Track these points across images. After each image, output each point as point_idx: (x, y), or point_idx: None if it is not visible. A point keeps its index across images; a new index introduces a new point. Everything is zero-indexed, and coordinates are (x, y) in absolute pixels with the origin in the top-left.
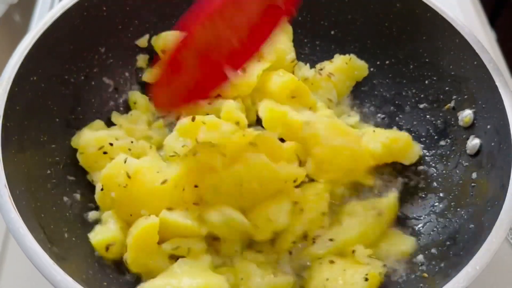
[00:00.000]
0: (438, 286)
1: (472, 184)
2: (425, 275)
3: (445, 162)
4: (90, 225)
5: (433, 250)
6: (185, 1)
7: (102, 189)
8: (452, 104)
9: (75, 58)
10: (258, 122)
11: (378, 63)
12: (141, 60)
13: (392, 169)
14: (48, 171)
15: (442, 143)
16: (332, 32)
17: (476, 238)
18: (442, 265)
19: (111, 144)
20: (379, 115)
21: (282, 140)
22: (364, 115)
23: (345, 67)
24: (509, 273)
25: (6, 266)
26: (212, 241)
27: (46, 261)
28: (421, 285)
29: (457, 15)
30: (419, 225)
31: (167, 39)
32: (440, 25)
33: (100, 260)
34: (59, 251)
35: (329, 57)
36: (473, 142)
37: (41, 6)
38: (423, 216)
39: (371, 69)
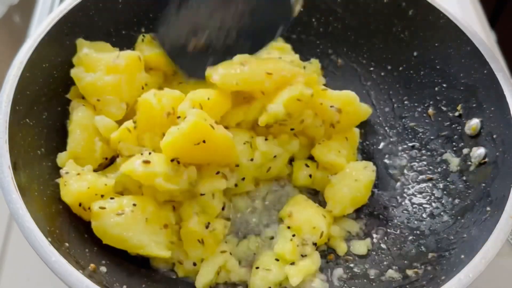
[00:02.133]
0: None
1: (475, 191)
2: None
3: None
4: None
5: (429, 256)
6: None
7: None
8: (460, 112)
9: None
10: None
11: (389, 67)
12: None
13: None
14: (53, 156)
15: (448, 150)
16: (345, 35)
17: (473, 246)
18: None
19: None
20: None
21: None
22: None
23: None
24: (509, 273)
25: (7, 264)
26: None
27: (42, 242)
28: None
29: (456, 16)
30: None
31: None
32: (452, 32)
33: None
34: (56, 232)
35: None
36: (479, 151)
37: (41, 7)
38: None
39: (382, 74)
